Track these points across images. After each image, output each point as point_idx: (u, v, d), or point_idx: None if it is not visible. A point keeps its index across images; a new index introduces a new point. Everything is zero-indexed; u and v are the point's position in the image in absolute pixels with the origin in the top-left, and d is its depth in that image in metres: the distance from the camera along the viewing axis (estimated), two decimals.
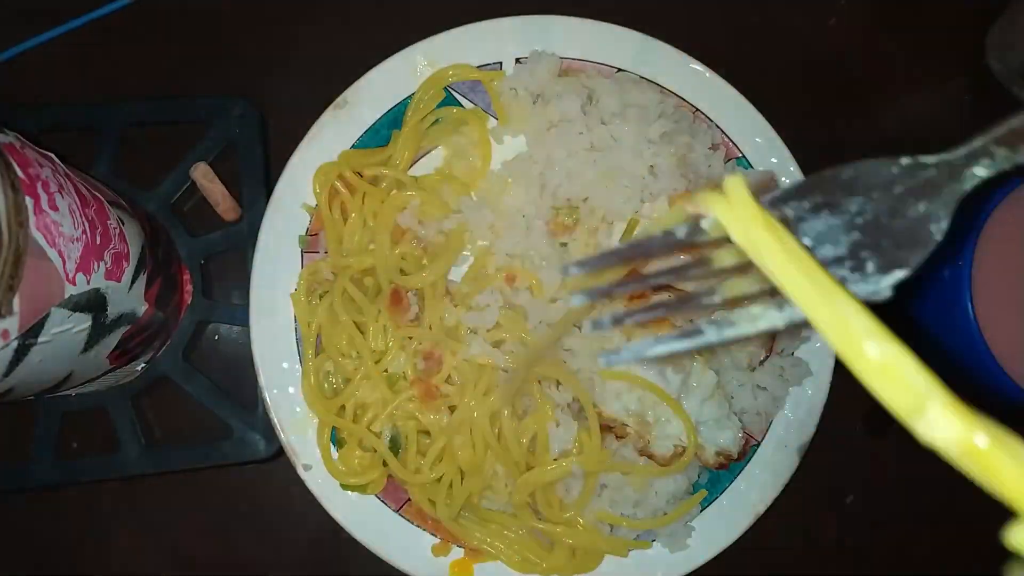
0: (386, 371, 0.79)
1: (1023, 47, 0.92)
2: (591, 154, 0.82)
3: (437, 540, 0.80)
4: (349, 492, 0.80)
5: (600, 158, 0.81)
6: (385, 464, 0.79)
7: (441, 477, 0.78)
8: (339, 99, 0.84)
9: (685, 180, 0.81)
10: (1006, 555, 0.29)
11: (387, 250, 0.80)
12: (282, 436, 0.79)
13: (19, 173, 0.57)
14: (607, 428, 0.78)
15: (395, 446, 0.79)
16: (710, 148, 0.85)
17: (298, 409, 0.80)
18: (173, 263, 0.84)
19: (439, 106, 0.86)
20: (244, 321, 0.81)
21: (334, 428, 0.80)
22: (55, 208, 0.60)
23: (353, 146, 0.84)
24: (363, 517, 0.79)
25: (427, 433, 0.79)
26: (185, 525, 0.88)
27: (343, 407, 0.79)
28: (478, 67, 0.86)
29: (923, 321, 0.82)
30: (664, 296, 0.72)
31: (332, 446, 0.80)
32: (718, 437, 0.80)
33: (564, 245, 0.81)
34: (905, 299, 0.83)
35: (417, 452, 0.79)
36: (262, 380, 0.80)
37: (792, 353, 0.84)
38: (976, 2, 0.98)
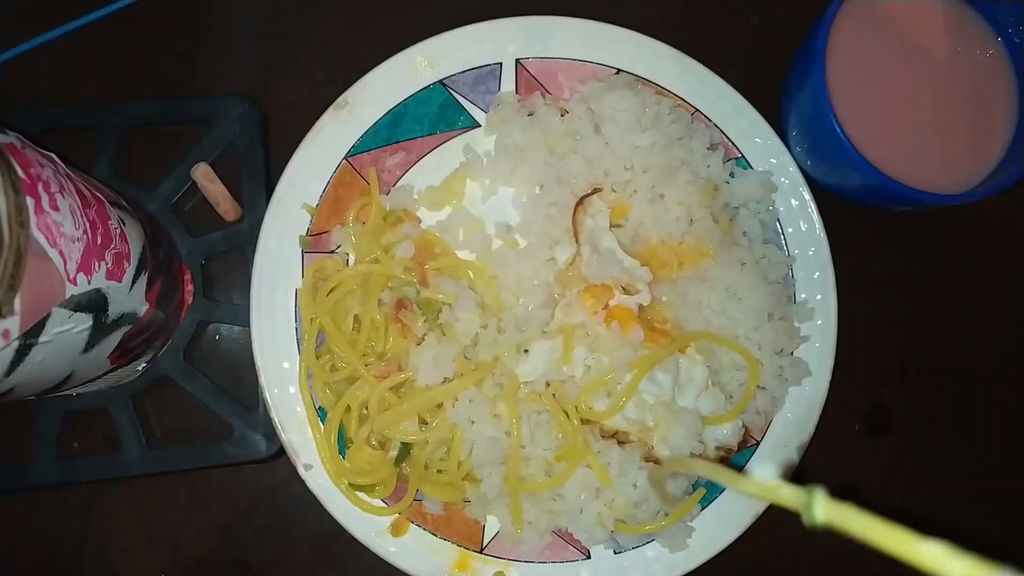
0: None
1: None
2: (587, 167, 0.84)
3: (437, 539, 0.80)
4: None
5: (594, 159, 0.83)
6: (398, 464, 0.79)
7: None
8: (339, 99, 0.84)
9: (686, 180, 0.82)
10: (1006, 555, 0.29)
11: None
12: (283, 436, 0.79)
13: (20, 173, 0.57)
14: (610, 436, 0.78)
15: (405, 448, 0.79)
16: (709, 148, 0.85)
17: (298, 409, 0.80)
18: (174, 263, 0.84)
19: (440, 106, 0.86)
20: (245, 321, 0.81)
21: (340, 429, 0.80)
22: (56, 208, 0.60)
23: (353, 146, 0.84)
24: (363, 517, 0.79)
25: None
26: (185, 525, 0.88)
27: (348, 407, 0.80)
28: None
29: (795, 120, 0.88)
30: None
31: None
32: (717, 431, 0.80)
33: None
34: (780, 104, 0.91)
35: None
36: (263, 380, 0.80)
37: (792, 353, 0.84)
38: None
